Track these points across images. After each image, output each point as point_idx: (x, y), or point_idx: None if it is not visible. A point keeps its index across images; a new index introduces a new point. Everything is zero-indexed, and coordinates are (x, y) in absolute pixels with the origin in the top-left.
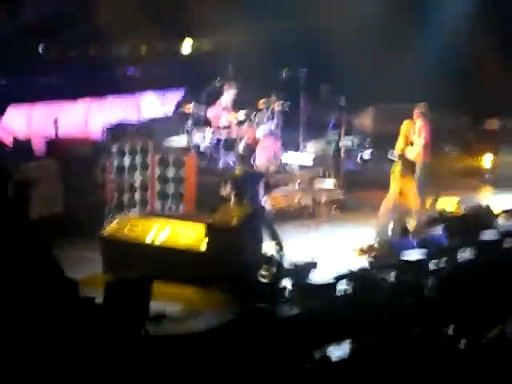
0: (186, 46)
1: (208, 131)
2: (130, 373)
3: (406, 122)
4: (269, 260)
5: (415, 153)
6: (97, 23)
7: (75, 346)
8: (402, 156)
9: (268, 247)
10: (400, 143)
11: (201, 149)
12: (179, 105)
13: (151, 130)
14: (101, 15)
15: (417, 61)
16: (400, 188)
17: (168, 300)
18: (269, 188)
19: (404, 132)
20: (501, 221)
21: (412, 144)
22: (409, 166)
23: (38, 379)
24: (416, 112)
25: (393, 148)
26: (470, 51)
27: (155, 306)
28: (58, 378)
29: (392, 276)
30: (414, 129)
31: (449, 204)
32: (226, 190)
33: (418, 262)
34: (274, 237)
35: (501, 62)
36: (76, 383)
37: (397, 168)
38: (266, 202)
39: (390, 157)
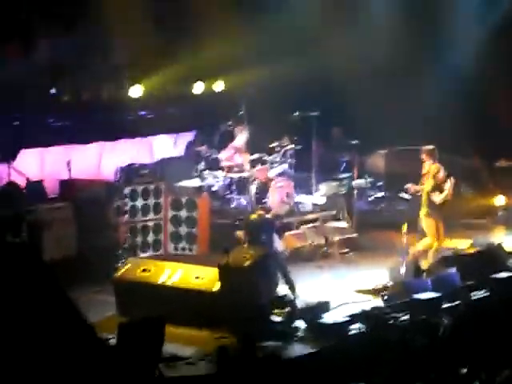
0: (198, 88)
1: (221, 172)
2: None
3: (435, 166)
4: (282, 300)
5: (443, 196)
6: (111, 64)
7: None
8: (428, 198)
9: (281, 288)
10: (428, 185)
11: (213, 190)
12: (192, 147)
13: (164, 172)
14: (115, 57)
15: (429, 101)
16: (424, 228)
17: (181, 342)
18: (282, 230)
19: (432, 174)
20: None
21: (439, 187)
22: (434, 207)
23: None
24: (424, 154)
25: (403, 189)
26: (483, 90)
27: (168, 347)
28: None
29: (406, 315)
30: (439, 172)
31: (462, 243)
32: (240, 234)
33: (432, 301)
34: (287, 277)
35: None
36: None
37: (423, 209)
38: (280, 243)
39: (400, 195)
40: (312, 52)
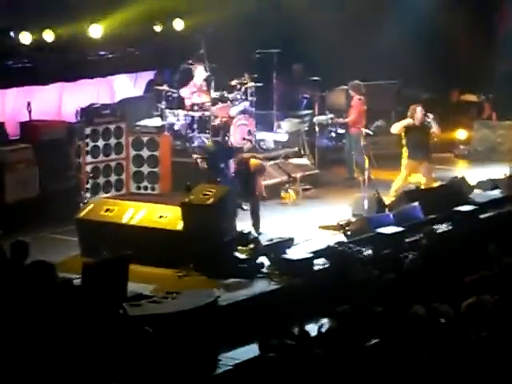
0: (158, 27)
1: (181, 111)
2: (108, 353)
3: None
4: (245, 237)
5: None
6: (70, 4)
7: (54, 327)
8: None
9: (244, 225)
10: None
11: (175, 128)
12: (152, 86)
13: (125, 112)
14: None
15: (390, 36)
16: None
17: (145, 281)
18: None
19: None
20: (476, 193)
21: None
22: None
23: (16, 360)
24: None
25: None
26: (445, 26)
27: (133, 286)
28: (36, 358)
29: (369, 250)
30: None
31: (424, 178)
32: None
33: (395, 235)
34: (251, 214)
35: (478, 36)
36: (54, 364)
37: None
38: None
39: (364, 130)
40: None
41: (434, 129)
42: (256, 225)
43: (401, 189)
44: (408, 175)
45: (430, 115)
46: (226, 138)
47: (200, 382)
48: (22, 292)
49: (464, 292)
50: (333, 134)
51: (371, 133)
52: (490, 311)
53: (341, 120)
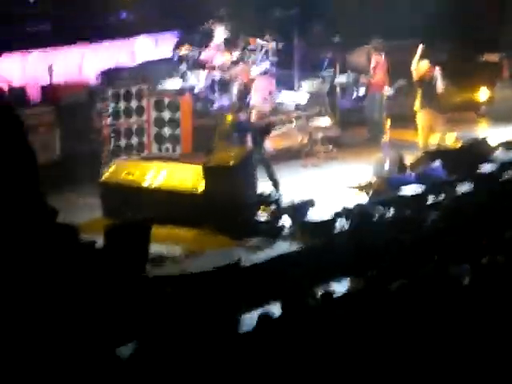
0: None
1: (202, 73)
2: (132, 315)
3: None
4: (267, 199)
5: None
6: None
7: (77, 290)
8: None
9: (266, 186)
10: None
11: (196, 91)
12: (173, 47)
13: (146, 74)
14: None
15: None
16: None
17: (167, 242)
18: (266, 129)
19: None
20: (498, 153)
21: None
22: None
23: (38, 323)
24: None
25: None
26: None
27: (155, 248)
28: (58, 322)
29: (391, 211)
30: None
31: (446, 138)
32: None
33: (417, 196)
34: (272, 176)
35: None
36: (76, 327)
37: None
38: (264, 142)
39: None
40: None
41: (439, 82)
42: (276, 186)
43: (428, 146)
44: (426, 128)
45: (438, 69)
46: (247, 98)
47: (221, 342)
48: (47, 253)
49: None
50: (354, 95)
51: (393, 92)
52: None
53: (365, 80)
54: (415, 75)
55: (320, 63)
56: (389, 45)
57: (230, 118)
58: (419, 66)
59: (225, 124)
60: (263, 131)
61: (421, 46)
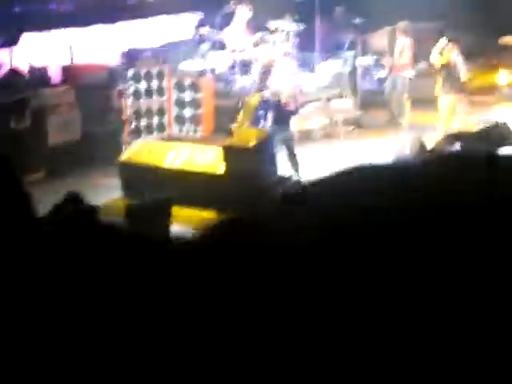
0: None
1: (223, 54)
2: (151, 296)
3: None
4: (287, 181)
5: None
6: None
7: (95, 272)
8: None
9: (286, 168)
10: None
11: (217, 72)
12: (195, 28)
13: (167, 54)
14: None
15: None
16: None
17: (187, 223)
18: (292, 111)
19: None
20: None
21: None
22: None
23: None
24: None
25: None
26: None
27: (175, 229)
28: (76, 303)
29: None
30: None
31: (466, 121)
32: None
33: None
34: (292, 158)
35: None
36: (96, 308)
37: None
38: (289, 123)
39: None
40: None
41: (462, 69)
42: (296, 169)
43: (448, 129)
44: (447, 112)
45: (460, 57)
46: (268, 80)
47: None
48: (67, 233)
49: None
50: (375, 76)
51: (414, 74)
52: None
53: (387, 61)
54: (436, 64)
55: (341, 45)
56: (413, 27)
57: (256, 98)
58: (441, 58)
59: (250, 105)
60: (290, 112)
61: (442, 40)
